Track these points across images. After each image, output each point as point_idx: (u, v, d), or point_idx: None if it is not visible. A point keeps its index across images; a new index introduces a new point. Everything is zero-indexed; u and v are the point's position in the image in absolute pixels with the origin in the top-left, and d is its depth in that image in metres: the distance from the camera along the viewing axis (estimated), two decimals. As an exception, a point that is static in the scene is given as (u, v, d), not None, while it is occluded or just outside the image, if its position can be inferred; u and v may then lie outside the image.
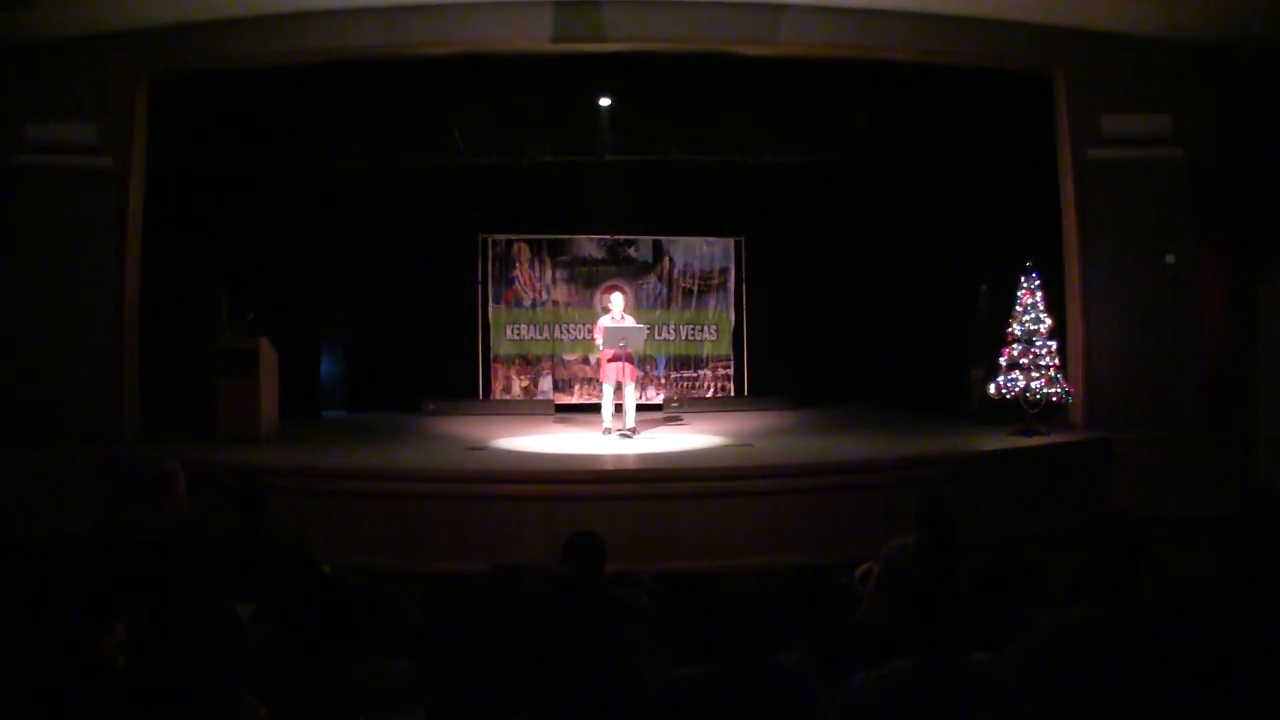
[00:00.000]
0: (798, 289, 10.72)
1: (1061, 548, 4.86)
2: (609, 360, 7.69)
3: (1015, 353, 7.32)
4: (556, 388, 10.83)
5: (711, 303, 11.09)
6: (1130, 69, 7.47)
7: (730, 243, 11.12)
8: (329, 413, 9.93)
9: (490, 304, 10.84)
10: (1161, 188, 7.41)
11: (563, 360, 10.89)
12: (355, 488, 5.83)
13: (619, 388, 7.74)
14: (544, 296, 10.93)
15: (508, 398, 10.72)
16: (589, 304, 10.65)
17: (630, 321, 7.88)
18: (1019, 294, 7.45)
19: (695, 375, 11.01)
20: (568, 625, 2.84)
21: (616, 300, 7.99)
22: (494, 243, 10.89)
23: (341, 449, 7.26)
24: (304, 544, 3.81)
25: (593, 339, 8.01)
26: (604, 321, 7.83)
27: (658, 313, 10.90)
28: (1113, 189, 7.45)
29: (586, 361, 10.61)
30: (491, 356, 10.82)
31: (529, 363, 10.88)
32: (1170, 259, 7.35)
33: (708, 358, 11.07)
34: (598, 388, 8.14)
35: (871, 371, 10.39)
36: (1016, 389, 7.19)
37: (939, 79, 7.89)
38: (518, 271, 10.91)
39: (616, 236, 10.95)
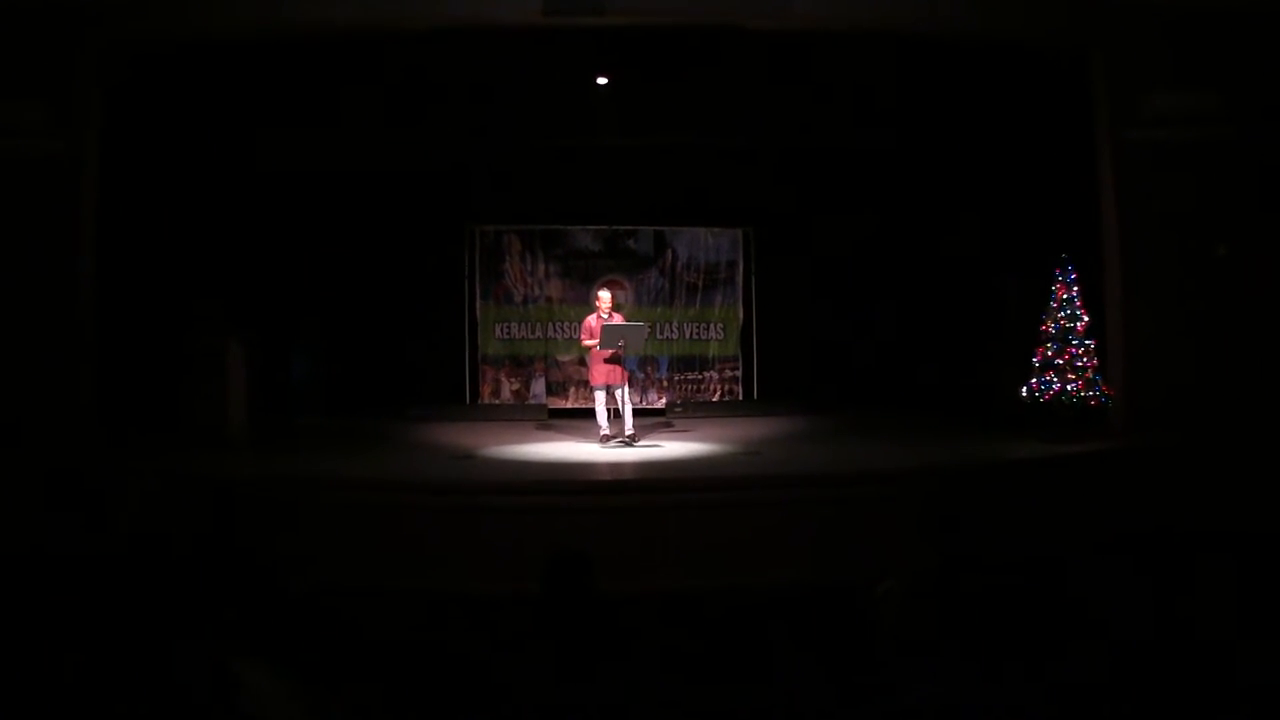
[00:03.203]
0: (811, 284, 10.67)
1: (1101, 566, 4.82)
2: (604, 361, 7.66)
3: (1049, 352, 7.29)
4: (550, 391, 10.79)
5: (718, 299, 11.05)
6: (1174, 42, 7.39)
7: (738, 233, 11.08)
8: (302, 418, 9.90)
9: (478, 300, 10.82)
10: (1211, 171, 7.33)
11: (556, 361, 10.85)
12: (330, 499, 5.80)
13: (610, 391, 7.72)
14: (536, 292, 10.90)
15: (497, 402, 10.69)
16: (585, 300, 10.59)
17: (618, 320, 7.86)
18: (1053, 288, 7.43)
19: (700, 377, 10.97)
20: (557, 651, 2.81)
21: (605, 298, 7.96)
22: (482, 234, 10.86)
23: (315, 457, 7.23)
24: (272, 563, 3.78)
25: (582, 339, 7.99)
26: (592, 320, 7.81)
27: (659, 310, 10.86)
28: (1156, 173, 7.37)
29: (582, 363, 10.55)
30: (479, 357, 10.80)
31: (520, 364, 10.85)
32: (1221, 249, 7.29)
33: (714, 358, 11.04)
34: (591, 392, 8.13)
35: (892, 373, 10.34)
36: (1051, 392, 7.16)
37: (965, 55, 7.85)
38: (508, 265, 10.88)
39: (615, 227, 10.92)
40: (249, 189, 9.23)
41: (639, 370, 10.58)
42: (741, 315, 11.07)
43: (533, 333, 10.87)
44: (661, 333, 10.83)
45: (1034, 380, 7.31)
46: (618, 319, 7.90)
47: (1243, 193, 7.33)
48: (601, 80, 9.01)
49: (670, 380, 10.93)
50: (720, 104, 9.40)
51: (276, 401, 9.38)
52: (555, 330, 10.85)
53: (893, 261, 10.37)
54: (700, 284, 11.03)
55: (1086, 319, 7.32)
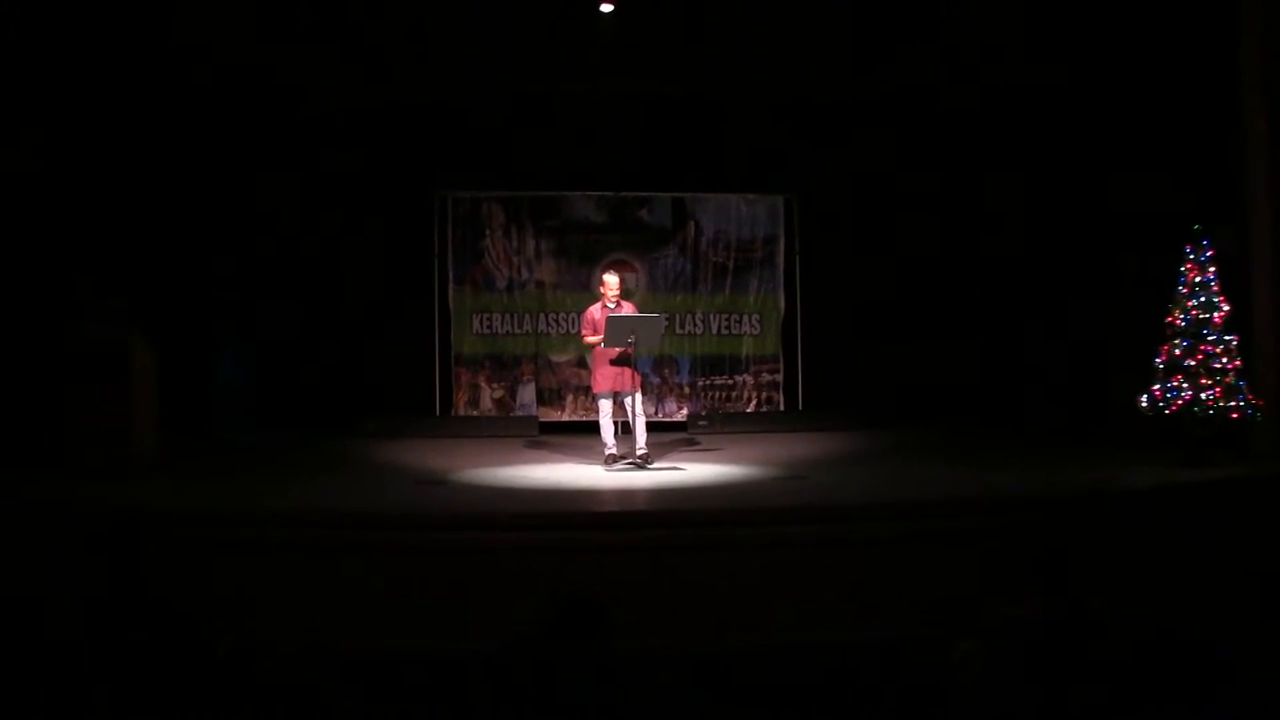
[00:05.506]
0: (869, 265, 10.67)
1: (1248, 616, 4.80)
2: (610, 362, 7.69)
3: (1178, 351, 7.26)
4: (541, 400, 10.85)
5: (753, 284, 11.08)
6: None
7: (778, 202, 11.11)
8: (230, 435, 9.97)
9: (450, 286, 10.88)
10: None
11: (550, 363, 10.90)
12: (264, 537, 5.83)
13: (617, 400, 7.74)
14: (524, 275, 10.95)
15: (475, 414, 10.76)
16: (586, 286, 10.64)
17: (628, 310, 7.87)
18: (1182, 270, 7.39)
19: (731, 382, 11.00)
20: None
21: (612, 282, 7.99)
22: (456, 202, 10.92)
23: (244, 483, 7.27)
24: (194, 617, 3.81)
25: (582, 334, 8.02)
26: (594, 311, 7.84)
27: (680, 298, 10.92)
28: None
29: (583, 364, 10.60)
30: (452, 357, 10.86)
31: (504, 366, 10.90)
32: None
33: (748, 359, 11.06)
34: (593, 401, 8.19)
35: (971, 377, 10.33)
36: (1179, 401, 7.13)
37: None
38: (488, 242, 10.94)
39: (623, 194, 10.96)
40: (158, 150, 9.28)
41: (654, 374, 10.60)
42: (783, 305, 11.09)
43: (520, 326, 10.91)
44: (682, 326, 10.88)
45: (1157, 386, 7.27)
46: (627, 309, 7.92)
47: None
48: (606, 7, 9.03)
49: (693, 386, 10.95)
50: (756, 42, 9.39)
51: (196, 414, 9.45)
52: (549, 323, 10.90)
53: (971, 239, 10.34)
54: (731, 265, 11.06)
55: (1226, 309, 7.26)
